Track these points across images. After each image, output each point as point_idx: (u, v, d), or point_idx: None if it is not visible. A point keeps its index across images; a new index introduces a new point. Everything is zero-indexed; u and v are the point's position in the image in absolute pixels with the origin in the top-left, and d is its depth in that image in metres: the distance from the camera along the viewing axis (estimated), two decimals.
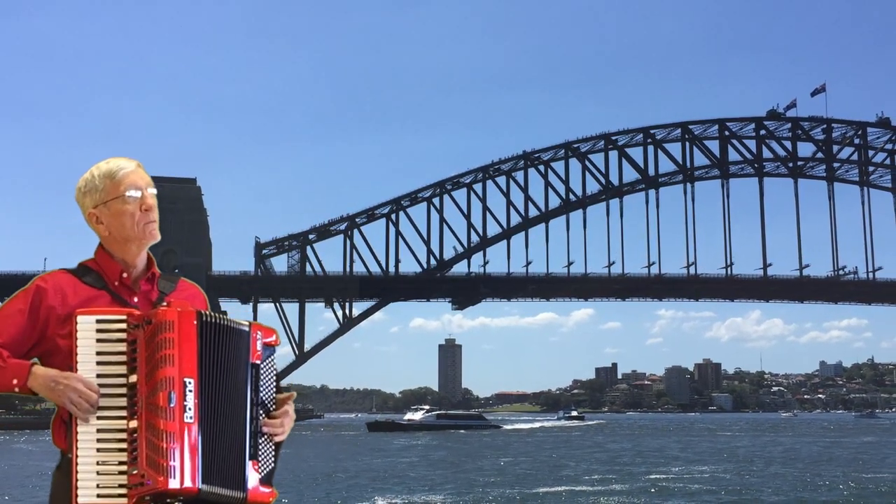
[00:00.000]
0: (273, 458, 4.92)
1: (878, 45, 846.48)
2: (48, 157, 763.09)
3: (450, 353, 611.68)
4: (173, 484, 4.42)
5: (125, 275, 5.04)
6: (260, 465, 4.81)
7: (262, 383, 4.88)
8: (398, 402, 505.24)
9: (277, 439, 4.94)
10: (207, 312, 4.75)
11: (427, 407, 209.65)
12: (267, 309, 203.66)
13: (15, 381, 4.61)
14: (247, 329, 4.85)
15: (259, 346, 4.88)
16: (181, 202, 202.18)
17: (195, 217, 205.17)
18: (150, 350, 4.56)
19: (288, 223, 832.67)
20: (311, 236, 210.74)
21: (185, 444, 4.47)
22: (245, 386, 4.80)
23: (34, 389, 4.62)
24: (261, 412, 4.86)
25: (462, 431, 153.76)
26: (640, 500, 43.56)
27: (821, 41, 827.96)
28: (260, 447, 4.83)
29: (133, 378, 4.58)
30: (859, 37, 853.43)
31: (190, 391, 4.51)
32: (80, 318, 4.65)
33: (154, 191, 5.10)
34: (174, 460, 4.43)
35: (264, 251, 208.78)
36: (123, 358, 4.62)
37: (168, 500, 4.52)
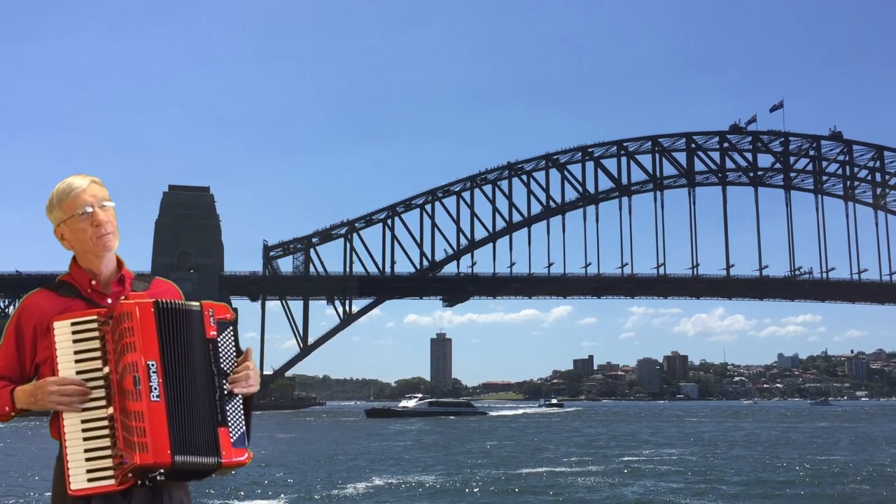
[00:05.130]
0: (243, 422, 4.93)
1: (831, 65, 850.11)
2: (75, 167, 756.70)
3: (441, 346, 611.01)
4: (146, 459, 4.51)
5: (94, 282, 5.08)
6: (231, 430, 4.82)
7: (221, 355, 4.89)
8: (394, 391, 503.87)
9: (243, 391, 4.93)
10: (163, 300, 4.80)
11: (420, 395, 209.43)
12: (274, 306, 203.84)
13: (7, 409, 4.78)
14: (198, 308, 4.89)
15: (213, 322, 4.90)
16: (196, 208, 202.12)
17: (209, 222, 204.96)
18: (116, 340, 4.67)
19: (293, 227, 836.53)
20: (314, 239, 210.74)
21: (153, 421, 4.54)
22: (204, 360, 4.83)
23: (24, 408, 4.77)
24: (224, 381, 4.87)
25: (452, 417, 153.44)
26: (615, 481, 43.50)
27: (779, 61, 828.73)
28: (228, 414, 4.84)
29: (106, 369, 4.68)
30: (814, 57, 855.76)
31: (154, 372, 4.59)
32: (56, 324, 4.76)
33: (110, 203, 5.11)
34: (145, 437, 4.51)
35: (271, 253, 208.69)
36: (98, 353, 4.72)
37: (150, 475, 4.61)
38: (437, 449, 68.71)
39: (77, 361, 4.71)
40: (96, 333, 4.73)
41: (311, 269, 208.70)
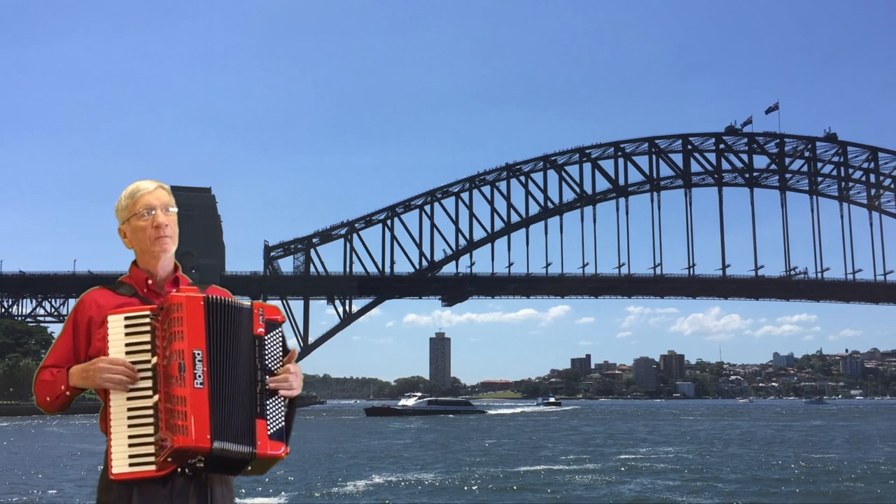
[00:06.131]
0: (283, 418, 5.03)
1: (826, 67, 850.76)
2: (78, 169, 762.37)
3: (440, 346, 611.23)
4: (186, 442, 4.60)
5: (150, 282, 5.25)
6: (269, 423, 4.92)
7: (267, 353, 5.01)
8: (393, 390, 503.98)
9: (285, 393, 5.03)
10: (213, 295, 4.95)
11: (419, 394, 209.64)
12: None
13: (63, 387, 4.91)
14: (248, 306, 5.03)
15: (262, 321, 5.02)
16: (198, 209, 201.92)
17: (210, 223, 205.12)
18: (164, 330, 4.79)
19: (294, 228, 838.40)
20: (314, 240, 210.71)
21: (196, 406, 4.65)
22: (249, 355, 4.94)
23: (76, 385, 4.90)
24: (267, 377, 4.98)
25: (451, 416, 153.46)
26: (612, 478, 43.53)
27: (774, 63, 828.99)
28: (268, 408, 4.94)
29: (154, 360, 4.80)
30: (809, 59, 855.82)
31: (199, 360, 4.71)
32: (110, 318, 4.91)
33: (174, 209, 5.32)
34: (186, 421, 4.61)
35: (272, 253, 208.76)
36: (148, 346, 4.85)
37: (190, 461, 4.71)
38: (436, 447, 68.76)
39: (127, 353, 4.85)
40: (148, 328, 4.86)
41: (312, 269, 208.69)
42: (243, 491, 37.19)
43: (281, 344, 5.12)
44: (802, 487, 39.97)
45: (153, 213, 5.19)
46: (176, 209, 5.33)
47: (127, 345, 4.84)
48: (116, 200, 5.33)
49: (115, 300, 5.10)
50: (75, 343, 5.03)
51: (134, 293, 5.17)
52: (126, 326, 4.86)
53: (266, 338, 5.02)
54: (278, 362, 5.06)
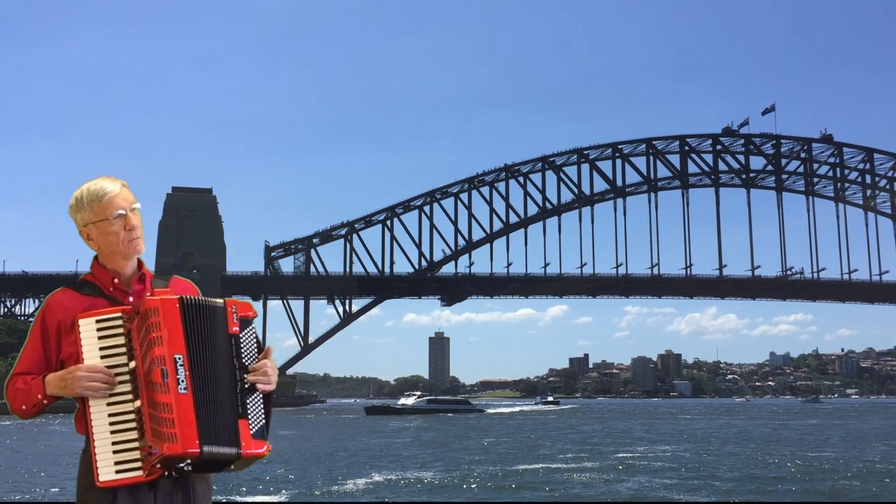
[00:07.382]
0: (263, 415, 4.98)
1: (822, 69, 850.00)
2: (80, 169, 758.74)
3: (439, 345, 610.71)
4: (175, 449, 4.55)
5: (117, 280, 5.15)
6: (251, 422, 4.88)
7: (243, 351, 4.97)
8: (393, 389, 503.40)
9: (263, 388, 4.98)
10: (188, 297, 4.88)
11: (419, 393, 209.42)
12: (275, 305, 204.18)
13: (39, 396, 4.82)
14: (222, 305, 4.97)
15: (236, 319, 4.97)
16: (199, 210, 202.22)
17: (211, 223, 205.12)
18: (142, 335, 4.73)
19: (294, 228, 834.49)
20: (314, 240, 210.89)
21: (182, 412, 4.60)
22: (227, 355, 4.90)
23: (54, 394, 4.81)
24: (245, 376, 4.93)
25: (450, 415, 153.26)
26: (609, 477, 43.49)
27: (771, 65, 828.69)
28: (249, 407, 4.90)
29: (132, 364, 4.74)
30: (805, 61, 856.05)
31: (181, 365, 4.66)
32: (81, 322, 4.82)
33: (137, 205, 5.20)
34: (174, 428, 4.56)
35: (273, 253, 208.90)
36: (124, 349, 4.79)
37: (179, 466, 4.65)
38: (435, 446, 68.68)
39: (103, 357, 4.78)
40: (121, 330, 4.80)
41: (312, 269, 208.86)
42: (244, 489, 37.19)
43: (255, 340, 5.07)
44: (799, 486, 39.94)
45: (123, 214, 5.08)
46: (139, 204, 5.21)
47: (101, 348, 4.77)
48: (73, 197, 5.13)
49: (82, 302, 5.00)
50: (45, 348, 4.93)
51: (100, 293, 5.07)
52: (98, 329, 4.79)
53: (241, 335, 4.97)
54: (254, 359, 5.02)
